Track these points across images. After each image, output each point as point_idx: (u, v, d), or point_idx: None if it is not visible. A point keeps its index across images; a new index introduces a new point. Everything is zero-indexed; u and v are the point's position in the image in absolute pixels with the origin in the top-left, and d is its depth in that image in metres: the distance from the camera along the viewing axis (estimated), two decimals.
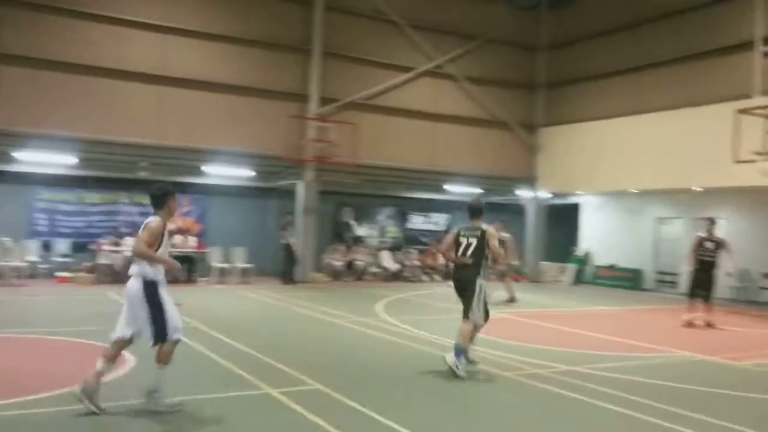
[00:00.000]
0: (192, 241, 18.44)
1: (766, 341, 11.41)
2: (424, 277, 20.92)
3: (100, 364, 5.72)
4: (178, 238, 17.80)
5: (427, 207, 23.25)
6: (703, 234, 12.70)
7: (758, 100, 15.73)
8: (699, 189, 17.98)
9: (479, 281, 7.86)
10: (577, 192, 22.30)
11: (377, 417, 5.83)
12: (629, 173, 19.10)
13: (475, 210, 8.17)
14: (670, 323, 12.94)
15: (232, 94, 18.29)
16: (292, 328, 11.18)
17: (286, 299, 14.58)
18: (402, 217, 22.72)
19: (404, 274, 20.67)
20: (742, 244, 18.19)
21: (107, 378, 5.91)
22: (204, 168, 18.12)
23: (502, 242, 9.65)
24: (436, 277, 21.14)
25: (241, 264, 18.26)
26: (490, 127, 22.14)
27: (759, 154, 13.98)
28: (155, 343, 5.75)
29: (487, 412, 6.33)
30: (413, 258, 21.26)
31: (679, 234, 19.47)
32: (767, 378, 8.28)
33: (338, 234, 21.23)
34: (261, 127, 18.55)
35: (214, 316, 11.44)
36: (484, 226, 8.04)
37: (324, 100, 19.40)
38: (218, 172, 18.45)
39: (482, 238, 7.90)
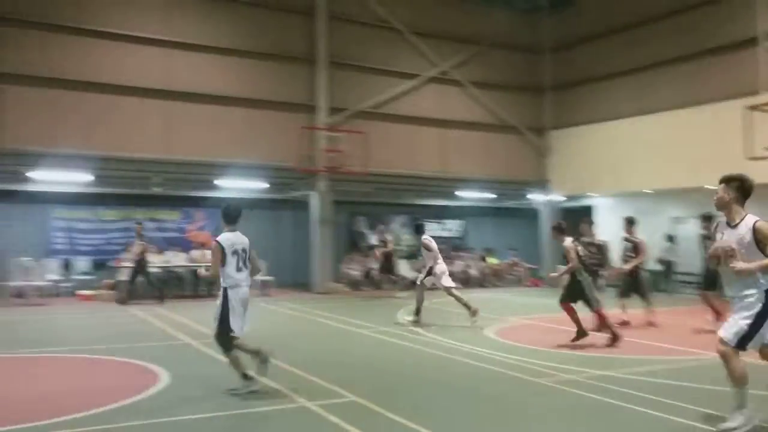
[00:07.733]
0: (209, 255, 18.44)
1: None
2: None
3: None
4: (195, 253, 17.91)
5: (440, 214, 23.28)
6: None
7: (767, 96, 15.78)
8: (711, 187, 17.93)
9: None
10: (590, 194, 22.31)
11: (415, 427, 5.88)
12: (641, 174, 19.12)
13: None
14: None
15: (241, 107, 18.49)
16: (318, 340, 11.23)
17: (308, 311, 14.66)
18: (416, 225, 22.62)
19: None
20: None
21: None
22: (217, 182, 18.21)
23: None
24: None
25: (260, 277, 18.26)
26: (499, 132, 22.24)
27: None
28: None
29: (525, 418, 6.39)
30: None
31: (691, 233, 19.38)
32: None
33: (354, 243, 21.26)
34: (272, 138, 18.69)
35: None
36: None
37: (333, 110, 19.55)
38: (231, 185, 18.52)
39: None
